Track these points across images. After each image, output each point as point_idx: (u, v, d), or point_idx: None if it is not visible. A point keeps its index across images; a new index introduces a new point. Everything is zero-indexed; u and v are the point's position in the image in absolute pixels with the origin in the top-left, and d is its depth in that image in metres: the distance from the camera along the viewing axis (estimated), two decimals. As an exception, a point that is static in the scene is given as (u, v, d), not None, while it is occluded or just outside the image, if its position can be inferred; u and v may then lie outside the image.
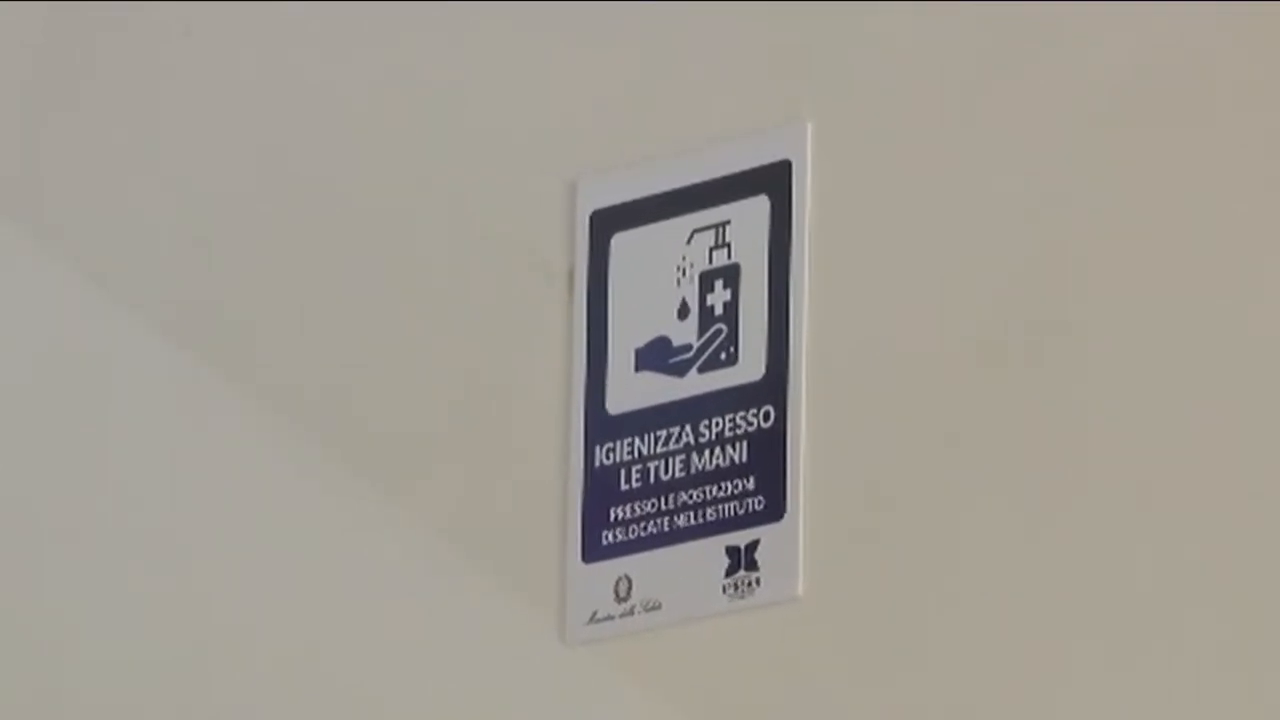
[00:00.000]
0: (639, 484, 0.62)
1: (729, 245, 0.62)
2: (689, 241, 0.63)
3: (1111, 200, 0.58)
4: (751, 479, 0.61)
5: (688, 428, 0.62)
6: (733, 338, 0.62)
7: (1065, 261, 0.59)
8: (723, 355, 0.62)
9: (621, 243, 0.64)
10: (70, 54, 0.82)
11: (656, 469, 0.62)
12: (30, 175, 0.85)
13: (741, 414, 0.61)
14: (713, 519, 0.61)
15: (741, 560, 0.61)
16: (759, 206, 0.62)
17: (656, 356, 0.63)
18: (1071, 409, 0.57)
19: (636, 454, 0.63)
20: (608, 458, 0.63)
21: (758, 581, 0.61)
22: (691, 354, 0.63)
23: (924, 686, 0.59)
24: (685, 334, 0.63)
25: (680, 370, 0.63)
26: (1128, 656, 0.54)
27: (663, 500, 0.62)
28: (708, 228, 0.63)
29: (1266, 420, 0.53)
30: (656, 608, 0.62)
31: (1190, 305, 0.55)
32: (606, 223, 0.64)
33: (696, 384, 0.63)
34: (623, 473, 0.63)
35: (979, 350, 0.60)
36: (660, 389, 0.64)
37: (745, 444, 0.61)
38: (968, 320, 0.60)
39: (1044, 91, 0.60)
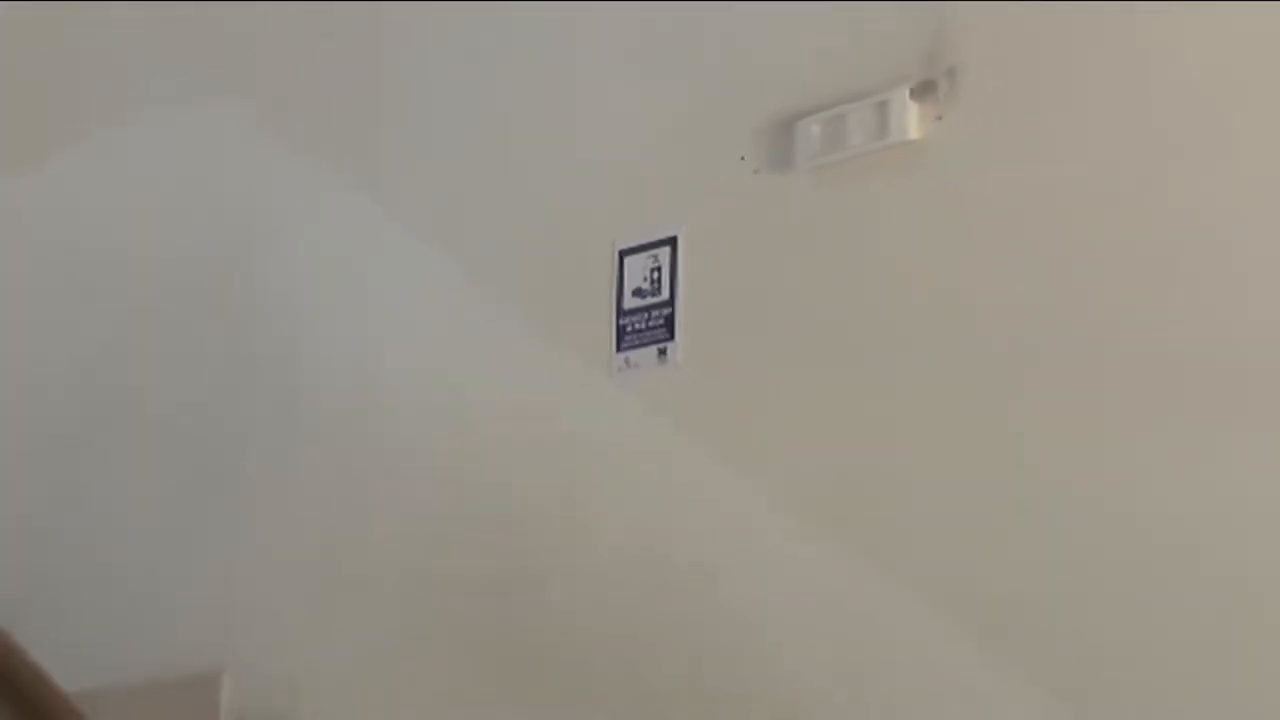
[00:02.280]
0: (631, 331, 2.12)
1: (659, 260, 2.12)
2: (647, 260, 2.12)
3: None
4: (665, 329, 2.10)
5: (647, 313, 2.12)
6: (659, 286, 2.11)
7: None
8: (656, 291, 2.11)
9: (629, 261, 2.14)
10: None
11: (638, 325, 2.12)
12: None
13: (660, 310, 2.10)
14: (652, 341, 2.11)
15: (663, 354, 2.11)
16: (669, 250, 2.10)
17: (638, 293, 2.13)
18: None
19: (633, 321, 2.12)
20: (625, 320, 2.13)
21: (666, 362, 2.10)
22: (648, 291, 2.12)
23: (731, 411, 2.05)
24: (646, 287, 2.13)
25: (644, 296, 2.13)
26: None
27: (638, 335, 2.12)
28: (652, 255, 2.12)
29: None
30: (638, 366, 2.12)
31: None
32: (624, 254, 2.14)
33: (649, 301, 2.12)
34: (629, 326, 2.13)
35: (743, 296, 2.08)
36: (640, 301, 2.13)
37: (663, 319, 2.10)
38: (738, 280, 2.08)
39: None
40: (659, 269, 2.11)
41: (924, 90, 1.89)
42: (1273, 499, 1.51)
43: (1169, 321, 1.63)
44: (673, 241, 2.10)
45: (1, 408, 2.90)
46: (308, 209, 2.57)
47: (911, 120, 1.89)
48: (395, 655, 2.23)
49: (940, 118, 1.88)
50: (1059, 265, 1.74)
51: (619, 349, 2.12)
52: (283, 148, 2.57)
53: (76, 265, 2.87)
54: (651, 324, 2.10)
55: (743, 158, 2.06)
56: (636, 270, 2.13)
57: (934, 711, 1.71)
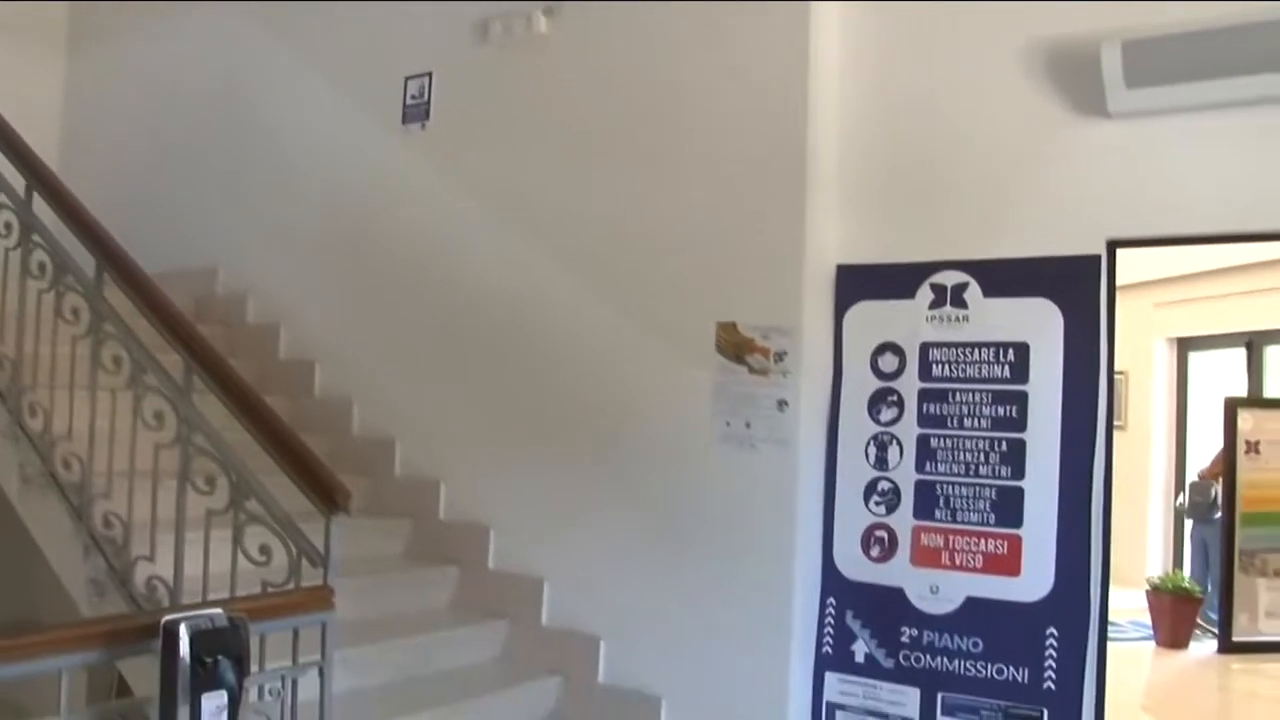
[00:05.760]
0: (410, 114, 4.72)
1: (424, 83, 4.75)
2: (418, 82, 4.76)
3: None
4: (425, 113, 4.72)
5: (417, 107, 4.73)
6: (423, 94, 4.73)
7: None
8: (421, 96, 4.76)
9: (410, 82, 4.74)
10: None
11: (413, 112, 4.74)
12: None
13: (423, 106, 4.70)
14: (418, 119, 4.74)
15: (423, 125, 4.73)
16: (429, 78, 4.71)
17: (413, 97, 4.74)
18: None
19: (410, 109, 4.72)
20: (407, 110, 4.73)
21: (425, 129, 4.74)
22: (418, 97, 4.76)
23: (452, 151, 4.69)
24: (417, 95, 4.76)
25: (417, 99, 4.73)
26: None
27: (413, 115, 4.75)
28: (420, 80, 4.76)
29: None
30: (412, 131, 4.75)
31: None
32: (408, 79, 4.75)
33: (419, 100, 4.72)
34: (409, 112, 4.74)
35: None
36: (414, 100, 4.73)
37: (425, 109, 4.71)
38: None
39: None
40: (424, 87, 4.75)
41: (549, 11, 4.46)
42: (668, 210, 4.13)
43: (650, 136, 4.14)
44: (430, 74, 4.73)
45: (162, 151, 5.92)
46: (279, 69, 5.25)
47: (543, 24, 4.45)
48: (321, 273, 4.94)
49: (555, 24, 4.47)
50: (607, 100, 4.29)
51: (403, 122, 4.76)
52: (273, 39, 5.28)
53: (161, 98, 5.81)
54: (419, 110, 4.73)
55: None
56: (413, 87, 4.76)
57: (550, 298, 4.31)
